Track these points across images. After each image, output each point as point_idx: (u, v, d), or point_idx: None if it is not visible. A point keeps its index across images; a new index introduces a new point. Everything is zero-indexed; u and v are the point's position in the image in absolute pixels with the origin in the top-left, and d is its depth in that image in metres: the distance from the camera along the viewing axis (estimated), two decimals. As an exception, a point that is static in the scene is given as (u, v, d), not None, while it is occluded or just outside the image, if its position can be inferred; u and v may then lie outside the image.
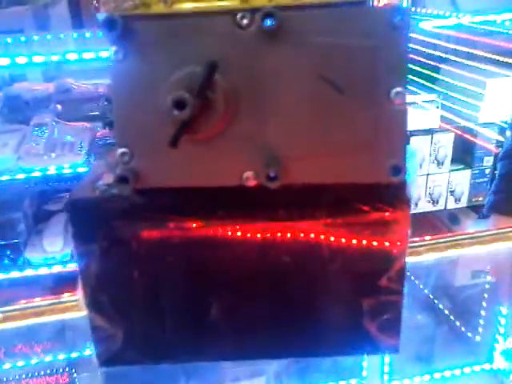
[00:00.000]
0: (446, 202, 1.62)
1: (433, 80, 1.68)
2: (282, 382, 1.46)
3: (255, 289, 0.44)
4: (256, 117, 0.38)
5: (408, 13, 0.36)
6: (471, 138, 1.62)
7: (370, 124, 0.38)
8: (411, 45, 1.55)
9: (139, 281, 0.42)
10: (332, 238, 0.41)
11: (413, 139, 1.56)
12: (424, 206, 1.60)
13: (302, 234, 0.41)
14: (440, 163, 1.59)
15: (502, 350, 1.62)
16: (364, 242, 0.41)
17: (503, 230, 0.59)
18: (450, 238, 0.58)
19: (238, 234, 0.41)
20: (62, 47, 1.47)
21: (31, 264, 1.45)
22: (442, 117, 1.58)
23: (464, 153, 1.64)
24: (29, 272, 1.45)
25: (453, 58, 1.66)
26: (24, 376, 1.61)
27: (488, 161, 1.62)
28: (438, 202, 1.61)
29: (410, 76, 1.59)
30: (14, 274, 1.45)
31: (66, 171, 1.39)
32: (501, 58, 1.58)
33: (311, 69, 0.38)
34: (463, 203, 1.64)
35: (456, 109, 1.60)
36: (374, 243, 0.41)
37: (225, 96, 0.37)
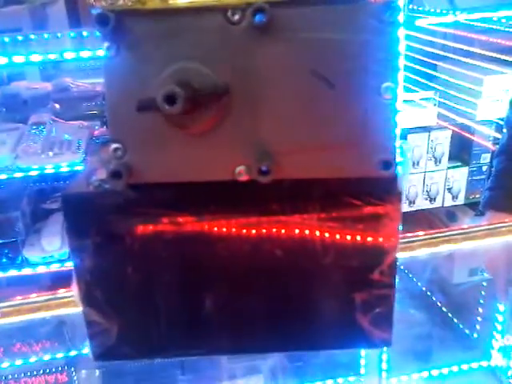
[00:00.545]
0: (443, 200, 1.62)
1: (430, 77, 1.69)
2: (278, 379, 1.46)
3: (248, 283, 0.44)
4: (248, 112, 0.39)
5: (399, 8, 0.37)
6: (468, 136, 1.62)
7: (360, 119, 0.38)
8: (408, 42, 1.56)
9: (133, 276, 0.42)
10: (323, 233, 0.42)
11: (410, 136, 1.56)
12: (421, 204, 1.61)
13: (293, 229, 0.42)
14: (437, 160, 1.59)
15: (499, 347, 1.63)
16: (355, 236, 0.41)
17: (496, 225, 0.59)
18: (443, 234, 0.58)
19: (231, 228, 0.42)
20: (59, 46, 1.48)
21: (29, 263, 1.45)
22: (439, 114, 1.58)
23: (461, 150, 1.65)
24: (27, 271, 1.46)
25: (450, 55, 1.67)
26: (23, 375, 1.61)
27: (485, 158, 1.62)
28: (435, 200, 1.62)
29: (407, 74, 1.60)
30: (12, 273, 1.46)
31: (64, 170, 1.39)
32: (498, 55, 1.58)
33: (302, 64, 0.38)
34: (460, 200, 1.64)
35: (453, 106, 1.61)
36: (366, 237, 0.41)
37: (218, 91, 0.38)
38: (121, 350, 0.44)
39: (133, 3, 0.38)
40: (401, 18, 0.37)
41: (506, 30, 1.56)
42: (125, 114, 0.39)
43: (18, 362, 1.57)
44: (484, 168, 1.62)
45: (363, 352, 1.46)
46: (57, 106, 1.61)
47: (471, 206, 1.63)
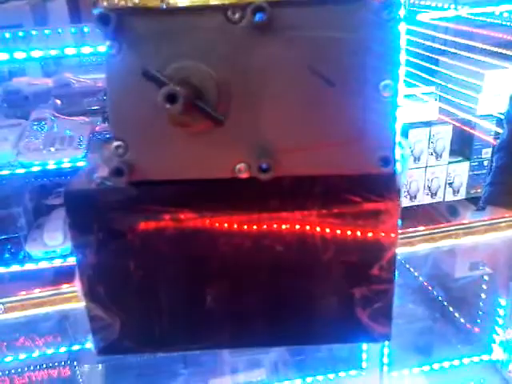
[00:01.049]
0: (444, 194, 1.63)
1: (431, 72, 1.69)
2: (279, 373, 1.47)
3: (249, 278, 0.44)
4: (248, 110, 0.39)
5: (398, 5, 0.37)
6: (469, 130, 1.62)
7: (359, 116, 0.39)
8: (409, 37, 1.56)
9: (135, 271, 0.43)
10: (323, 229, 0.42)
11: (411, 131, 1.56)
12: (422, 199, 1.61)
13: (293, 225, 0.42)
14: (438, 155, 1.59)
15: (500, 341, 1.63)
16: (355, 232, 0.42)
17: (497, 221, 0.59)
18: (444, 229, 0.58)
19: (232, 224, 0.42)
20: (60, 42, 1.48)
21: (32, 258, 1.46)
22: (440, 109, 1.58)
23: (462, 145, 1.65)
24: (29, 266, 1.46)
25: (451, 49, 1.67)
26: (26, 369, 1.62)
27: (486, 153, 1.62)
28: (436, 194, 1.62)
29: (409, 68, 1.60)
30: (15, 268, 1.46)
31: (66, 166, 1.40)
32: (499, 50, 1.58)
33: (302, 62, 0.38)
34: (462, 195, 1.64)
35: (454, 101, 1.61)
36: (365, 233, 0.42)
37: (217, 89, 0.38)
38: (123, 344, 0.45)
39: (134, 3, 0.38)
40: (402, 12, 0.38)
41: (508, 24, 1.56)
42: (126, 112, 0.39)
43: (22, 356, 1.58)
44: (485, 163, 1.62)
45: (365, 346, 1.47)
46: (58, 101, 1.61)
47: (472, 200, 1.64)
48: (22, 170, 1.39)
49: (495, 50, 1.58)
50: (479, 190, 1.61)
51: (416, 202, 1.60)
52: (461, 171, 1.62)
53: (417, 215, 1.77)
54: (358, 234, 0.42)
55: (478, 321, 1.73)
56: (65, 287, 0.55)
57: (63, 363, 1.63)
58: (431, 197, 1.62)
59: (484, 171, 1.61)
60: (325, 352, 1.49)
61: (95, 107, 1.58)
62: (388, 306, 0.44)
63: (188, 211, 0.42)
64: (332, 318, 0.45)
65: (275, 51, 0.38)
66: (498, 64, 1.56)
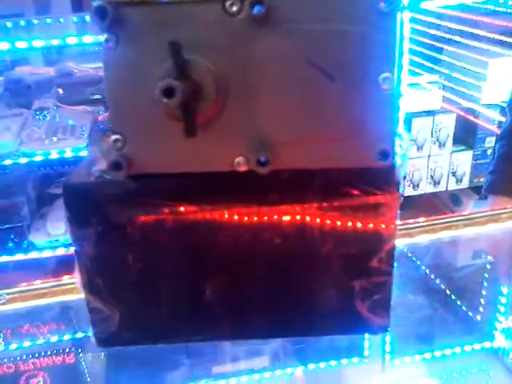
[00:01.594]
0: (447, 183, 1.62)
1: (435, 61, 1.68)
2: (280, 362, 1.47)
3: (249, 271, 0.44)
4: (247, 103, 0.39)
5: (397, -2, 0.37)
6: (473, 119, 1.61)
7: (358, 109, 0.39)
8: (414, 25, 1.54)
9: (134, 264, 0.43)
10: (323, 222, 0.42)
11: (414, 120, 1.56)
12: (425, 188, 1.60)
13: (293, 218, 0.42)
14: (442, 144, 1.58)
15: (502, 329, 1.64)
16: (354, 224, 0.42)
17: (498, 212, 0.59)
18: (445, 220, 0.58)
19: (232, 217, 0.42)
20: (62, 31, 1.47)
21: (35, 247, 1.47)
22: (444, 98, 1.57)
23: (466, 134, 1.64)
24: (33, 255, 1.47)
25: (456, 38, 1.65)
26: (31, 356, 1.63)
27: (490, 141, 1.62)
28: (439, 183, 1.62)
29: (412, 57, 1.59)
30: (18, 257, 1.47)
31: (68, 155, 1.40)
32: (504, 38, 1.56)
33: (300, 55, 0.38)
34: (465, 184, 1.64)
35: (458, 90, 1.60)
36: (365, 226, 0.42)
37: (215, 82, 0.38)
38: (123, 336, 0.45)
39: (132, -5, 0.38)
40: (402, 3, 0.37)
41: (512, 11, 1.55)
42: (124, 106, 0.39)
43: (26, 343, 1.59)
44: (489, 152, 1.61)
45: (367, 334, 1.48)
46: (60, 91, 1.61)
47: (475, 189, 1.63)
48: (24, 160, 1.39)
49: (500, 38, 1.56)
50: (482, 179, 1.60)
51: (419, 191, 1.60)
52: (464, 160, 1.62)
53: (419, 204, 1.76)
54: (358, 226, 0.42)
55: (480, 309, 1.73)
56: (66, 278, 0.55)
57: (67, 350, 1.64)
58: (434, 186, 1.62)
59: (487, 160, 1.61)
60: (326, 340, 1.49)
61: (97, 96, 1.58)
62: (387, 298, 0.44)
63: (187, 204, 0.42)
64: (331, 309, 0.45)
65: (274, 44, 0.38)
66: (502, 52, 1.55)
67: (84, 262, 0.42)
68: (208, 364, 1.45)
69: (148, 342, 0.46)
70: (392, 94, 0.38)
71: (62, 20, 1.53)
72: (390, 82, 0.38)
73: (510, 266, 1.24)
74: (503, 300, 1.59)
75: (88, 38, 1.33)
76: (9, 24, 1.48)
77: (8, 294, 0.53)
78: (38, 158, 1.39)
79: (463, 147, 1.63)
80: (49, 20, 1.52)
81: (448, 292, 1.84)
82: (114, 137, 0.39)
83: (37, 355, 1.64)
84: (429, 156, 1.59)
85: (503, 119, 1.54)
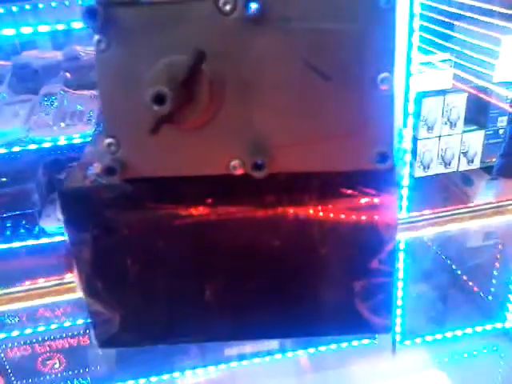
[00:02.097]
0: (458, 164, 1.60)
1: (447, 38, 1.64)
2: (292, 343, 1.48)
3: (249, 272, 0.44)
4: (242, 105, 0.38)
5: (395, -6, 0.35)
6: (485, 98, 1.58)
7: (356, 111, 0.38)
8: (424, 1, 1.51)
9: (132, 266, 0.43)
10: (323, 223, 0.41)
11: (425, 100, 1.53)
12: (436, 168, 1.58)
13: (293, 219, 0.42)
14: (453, 124, 1.56)
15: (514, 310, 1.63)
16: (355, 226, 0.41)
17: (503, 203, 0.58)
18: (450, 213, 0.57)
19: (229, 219, 0.42)
20: (68, 14, 1.45)
21: (46, 233, 1.48)
22: (455, 76, 1.54)
23: (477, 113, 1.61)
24: (44, 240, 1.48)
25: (467, 13, 1.61)
26: (46, 338, 1.66)
27: (502, 121, 1.58)
28: (450, 164, 1.59)
29: (424, 34, 1.55)
30: (30, 242, 1.48)
31: (77, 141, 1.40)
32: (517, 14, 1.52)
33: (296, 55, 0.37)
34: (476, 164, 1.61)
35: (470, 67, 1.56)
36: (364, 227, 0.41)
37: (210, 85, 0.37)
38: (124, 337, 0.45)
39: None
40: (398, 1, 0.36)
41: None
42: (118, 109, 0.39)
43: (41, 328, 1.62)
44: (501, 131, 1.58)
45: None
46: (68, 75, 1.60)
47: (487, 169, 1.61)
48: (33, 146, 1.40)
49: (513, 13, 1.52)
50: (494, 160, 1.58)
51: (430, 172, 1.58)
52: (475, 140, 1.59)
53: (430, 185, 1.74)
54: (358, 228, 0.41)
55: (492, 289, 1.73)
56: (68, 277, 0.55)
57: (82, 332, 1.67)
58: (445, 167, 1.59)
59: (499, 140, 1.58)
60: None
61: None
62: (388, 299, 0.44)
63: (184, 206, 0.41)
64: (333, 310, 0.45)
65: (268, 44, 0.37)
66: (515, 29, 1.51)
67: (83, 266, 0.42)
68: (214, 346, 1.46)
69: (149, 343, 0.46)
70: (391, 95, 0.37)
71: (67, 3, 1.51)
72: (389, 83, 0.37)
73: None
74: (515, 280, 1.59)
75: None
76: (14, 8, 1.47)
77: (9, 293, 0.53)
78: (47, 145, 1.39)
79: (475, 127, 1.60)
80: (54, 3, 1.51)
81: (459, 273, 1.84)
82: (107, 140, 0.39)
83: (52, 337, 1.67)
84: (439, 136, 1.56)
85: (516, 97, 1.51)
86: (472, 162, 1.61)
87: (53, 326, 1.59)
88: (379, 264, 0.42)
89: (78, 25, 1.33)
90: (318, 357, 1.59)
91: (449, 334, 1.67)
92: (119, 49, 0.37)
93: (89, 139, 1.36)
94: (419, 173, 1.58)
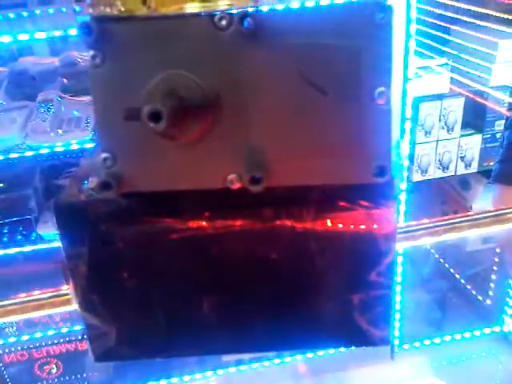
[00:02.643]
0: (456, 168, 1.60)
1: (443, 42, 1.64)
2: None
3: (247, 285, 0.44)
4: (238, 119, 0.38)
5: (391, 9, 0.35)
6: (482, 102, 1.58)
7: (353, 125, 0.37)
8: (420, 5, 1.51)
9: (129, 281, 0.43)
10: (322, 236, 0.41)
11: (422, 105, 1.53)
12: (434, 173, 1.58)
13: (291, 233, 0.41)
14: (450, 129, 1.56)
15: (512, 313, 1.63)
16: (352, 239, 0.41)
17: (503, 212, 0.58)
18: (448, 222, 0.57)
19: (226, 233, 0.41)
20: (64, 21, 1.45)
21: (43, 239, 1.47)
22: (452, 80, 1.54)
23: (475, 117, 1.61)
24: (41, 246, 1.47)
25: (464, 18, 1.61)
26: (44, 344, 1.66)
27: (499, 125, 1.59)
28: (448, 168, 1.59)
29: (421, 38, 1.55)
30: (27, 249, 1.48)
31: (74, 147, 1.39)
32: (513, 18, 1.53)
33: (293, 70, 0.37)
34: (474, 168, 1.61)
35: (467, 72, 1.56)
36: (362, 240, 0.41)
37: (205, 99, 0.37)
38: (121, 351, 0.45)
39: (120, 11, 0.37)
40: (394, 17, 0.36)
41: (523, -10, 1.51)
42: (113, 124, 0.38)
43: (38, 334, 1.61)
44: (498, 135, 1.58)
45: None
46: (65, 80, 1.60)
47: (485, 173, 1.61)
48: (30, 153, 1.39)
49: (510, 17, 1.53)
50: (492, 163, 1.58)
51: (427, 177, 1.58)
52: (473, 144, 1.59)
53: (428, 189, 1.75)
54: (356, 241, 0.41)
55: (490, 293, 1.73)
56: (64, 289, 0.55)
57: (80, 338, 1.66)
58: (443, 171, 1.59)
59: (497, 144, 1.58)
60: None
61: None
62: (387, 311, 0.44)
63: (180, 220, 0.41)
64: (331, 323, 0.45)
65: (265, 59, 0.37)
66: (512, 33, 1.51)
67: (78, 279, 0.42)
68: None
69: (145, 357, 0.46)
70: (388, 109, 0.37)
71: (64, 9, 1.51)
72: (386, 97, 0.36)
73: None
74: (513, 284, 1.59)
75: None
76: (11, 15, 1.47)
77: (4, 305, 0.53)
78: (44, 151, 1.39)
79: (472, 131, 1.60)
80: (51, 10, 1.51)
81: (457, 277, 1.84)
82: (103, 155, 0.39)
83: (49, 343, 1.66)
84: (437, 141, 1.56)
85: (513, 101, 1.51)
86: (470, 166, 1.61)
87: (50, 332, 1.59)
88: (378, 276, 0.42)
89: (74, 31, 1.33)
90: (315, 362, 1.59)
91: (447, 338, 1.67)
92: (114, 64, 0.37)
93: (86, 145, 1.36)
94: (417, 177, 1.58)
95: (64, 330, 1.62)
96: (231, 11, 0.36)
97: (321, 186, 0.39)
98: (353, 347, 0.45)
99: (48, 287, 0.59)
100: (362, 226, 0.40)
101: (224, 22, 0.36)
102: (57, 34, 1.33)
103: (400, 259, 1.40)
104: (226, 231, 0.41)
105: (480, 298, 1.77)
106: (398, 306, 1.50)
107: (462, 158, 1.60)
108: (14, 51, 1.78)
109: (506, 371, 1.58)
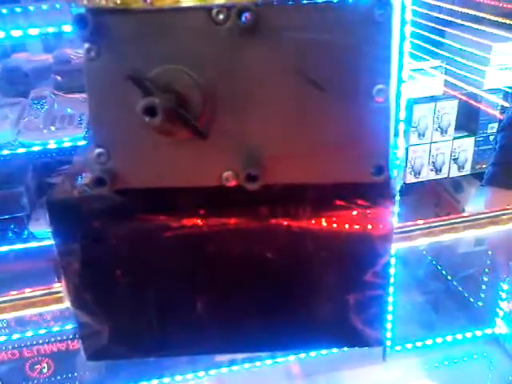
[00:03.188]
0: (449, 170, 1.60)
1: (438, 45, 1.65)
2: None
3: (241, 284, 0.44)
4: (235, 116, 0.37)
5: (391, 5, 0.35)
6: (476, 104, 1.59)
7: (351, 123, 0.37)
8: (415, 7, 1.51)
9: (122, 278, 0.42)
10: (317, 235, 0.41)
11: (416, 107, 1.53)
12: (427, 175, 1.59)
13: (286, 231, 0.41)
14: (443, 131, 1.56)
15: (503, 315, 1.64)
16: (349, 238, 0.41)
17: (498, 213, 0.58)
18: (443, 222, 0.57)
19: (221, 230, 0.41)
20: (58, 17, 1.44)
21: (35, 237, 1.46)
22: (446, 83, 1.55)
23: (468, 120, 1.61)
24: (33, 244, 1.46)
25: (458, 21, 1.62)
26: (35, 342, 1.65)
27: (492, 127, 1.59)
28: (441, 170, 1.60)
29: (415, 41, 1.56)
30: (19, 246, 1.47)
31: (67, 145, 1.38)
32: (508, 21, 1.53)
33: (290, 66, 0.36)
34: (467, 171, 1.62)
35: (461, 74, 1.57)
36: (359, 240, 0.41)
37: (202, 94, 0.36)
38: (113, 349, 0.44)
39: (115, 3, 0.36)
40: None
41: (517, -6, 1.51)
42: (108, 119, 0.38)
43: (29, 333, 1.60)
44: (491, 138, 1.59)
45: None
46: (58, 78, 1.59)
47: (478, 176, 1.61)
48: (22, 150, 1.38)
49: (504, 21, 1.53)
50: (484, 166, 1.59)
51: (420, 179, 1.58)
52: (466, 146, 1.60)
53: (421, 191, 1.75)
54: (352, 240, 0.41)
55: (482, 295, 1.73)
56: (56, 286, 0.54)
57: (71, 337, 1.65)
58: (436, 173, 1.60)
59: (490, 147, 1.59)
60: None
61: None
62: (381, 312, 0.43)
63: (174, 217, 0.40)
64: (325, 324, 0.45)
65: (262, 54, 0.36)
66: (506, 36, 1.51)
67: (71, 277, 0.42)
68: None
69: (138, 356, 0.45)
70: (387, 107, 0.36)
71: (57, 6, 1.51)
72: (385, 95, 0.36)
73: (507, 262, 1.23)
74: (505, 286, 1.59)
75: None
76: (4, 10, 1.46)
77: (-3, 303, 0.52)
78: (36, 148, 1.38)
79: (465, 133, 1.61)
80: (45, 6, 1.50)
81: (449, 278, 1.84)
82: (97, 151, 0.38)
83: (41, 342, 1.65)
84: (430, 143, 1.57)
85: (506, 104, 1.52)
86: (463, 168, 1.61)
87: (41, 331, 1.58)
88: (373, 277, 0.41)
89: (68, 28, 1.32)
90: (308, 363, 1.58)
91: (439, 340, 1.67)
92: (109, 58, 0.37)
93: (79, 143, 1.35)
94: (410, 179, 1.58)
95: (55, 329, 1.60)
96: (229, 5, 0.35)
97: (317, 184, 0.39)
98: (346, 348, 0.45)
99: (40, 285, 0.59)
100: (359, 226, 0.40)
101: (221, 17, 0.36)
102: (50, 30, 1.32)
103: (392, 260, 1.40)
104: (220, 229, 0.41)
105: (472, 300, 1.77)
106: (390, 308, 1.50)
107: (455, 160, 1.60)
108: (6, 47, 1.77)
109: (497, 373, 1.58)
